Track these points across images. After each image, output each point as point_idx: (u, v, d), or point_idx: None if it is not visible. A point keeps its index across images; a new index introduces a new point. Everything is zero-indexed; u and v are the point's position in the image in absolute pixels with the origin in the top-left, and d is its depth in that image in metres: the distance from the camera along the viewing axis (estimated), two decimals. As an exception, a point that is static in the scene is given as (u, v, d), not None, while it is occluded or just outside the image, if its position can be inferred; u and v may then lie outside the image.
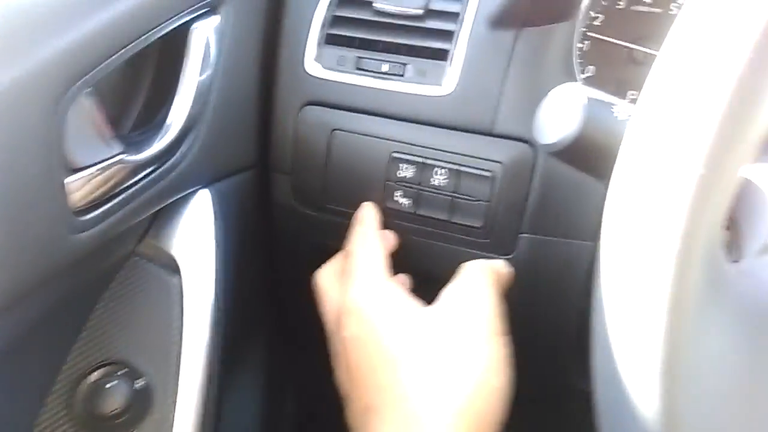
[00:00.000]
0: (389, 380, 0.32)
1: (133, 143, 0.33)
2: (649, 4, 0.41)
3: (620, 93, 0.42)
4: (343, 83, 0.43)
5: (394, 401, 0.31)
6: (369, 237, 0.39)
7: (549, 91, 0.37)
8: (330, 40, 0.43)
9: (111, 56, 0.29)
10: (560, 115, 0.31)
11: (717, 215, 0.20)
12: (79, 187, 0.29)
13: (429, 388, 0.31)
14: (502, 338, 0.34)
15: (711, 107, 0.18)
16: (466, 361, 0.32)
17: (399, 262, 0.41)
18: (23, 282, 0.28)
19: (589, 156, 0.30)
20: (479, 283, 0.36)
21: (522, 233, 0.42)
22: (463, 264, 0.38)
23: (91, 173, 0.30)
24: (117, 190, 0.32)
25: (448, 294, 0.36)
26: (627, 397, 0.20)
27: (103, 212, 0.31)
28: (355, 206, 0.44)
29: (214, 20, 0.37)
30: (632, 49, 0.42)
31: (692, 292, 0.19)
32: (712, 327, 0.20)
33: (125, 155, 0.32)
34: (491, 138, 0.41)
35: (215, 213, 0.41)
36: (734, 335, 0.20)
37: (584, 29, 0.41)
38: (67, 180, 0.29)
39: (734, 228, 0.30)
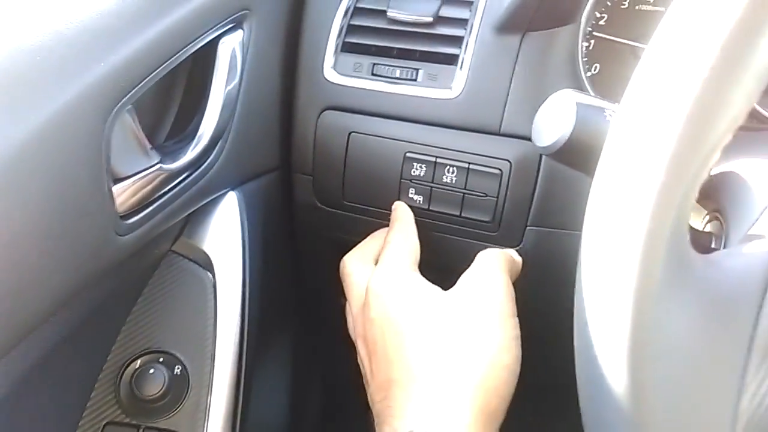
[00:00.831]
0: (411, 357, 0.35)
1: (169, 153, 0.36)
2: (652, 3, 0.43)
3: (624, 90, 0.44)
4: (360, 88, 0.45)
5: (416, 375, 0.34)
6: (406, 231, 0.42)
7: (553, 91, 0.39)
8: (346, 48, 0.45)
9: (150, 75, 0.32)
10: (554, 120, 0.33)
11: (681, 213, 0.21)
12: (123, 193, 0.33)
13: (448, 363, 0.34)
14: (514, 320, 0.36)
15: (672, 118, 0.20)
16: (481, 340, 0.35)
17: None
18: (77, 282, 0.32)
19: (581, 157, 0.33)
20: (494, 269, 0.38)
21: (529, 226, 0.44)
22: (479, 252, 0.40)
23: (134, 181, 0.33)
24: (156, 196, 0.35)
25: (465, 279, 0.38)
26: (601, 374, 0.22)
27: (144, 216, 0.35)
28: (372, 203, 0.46)
29: (239, 35, 0.40)
30: (636, 47, 0.43)
31: (656, 281, 0.21)
32: (676, 313, 0.22)
33: (162, 164, 0.35)
34: (499, 137, 0.43)
35: (242, 213, 0.44)
36: (696, 321, 0.22)
37: (589, 29, 0.43)
38: (113, 188, 0.32)
39: (722, 218, 0.32)
